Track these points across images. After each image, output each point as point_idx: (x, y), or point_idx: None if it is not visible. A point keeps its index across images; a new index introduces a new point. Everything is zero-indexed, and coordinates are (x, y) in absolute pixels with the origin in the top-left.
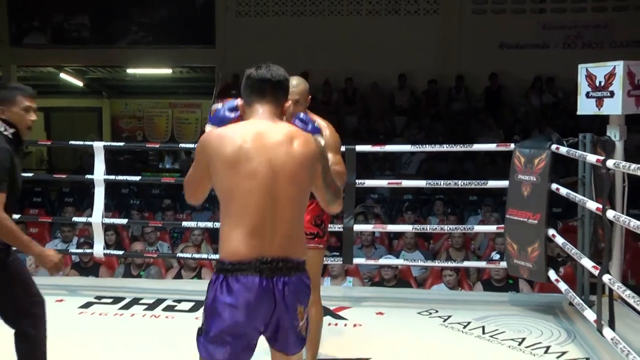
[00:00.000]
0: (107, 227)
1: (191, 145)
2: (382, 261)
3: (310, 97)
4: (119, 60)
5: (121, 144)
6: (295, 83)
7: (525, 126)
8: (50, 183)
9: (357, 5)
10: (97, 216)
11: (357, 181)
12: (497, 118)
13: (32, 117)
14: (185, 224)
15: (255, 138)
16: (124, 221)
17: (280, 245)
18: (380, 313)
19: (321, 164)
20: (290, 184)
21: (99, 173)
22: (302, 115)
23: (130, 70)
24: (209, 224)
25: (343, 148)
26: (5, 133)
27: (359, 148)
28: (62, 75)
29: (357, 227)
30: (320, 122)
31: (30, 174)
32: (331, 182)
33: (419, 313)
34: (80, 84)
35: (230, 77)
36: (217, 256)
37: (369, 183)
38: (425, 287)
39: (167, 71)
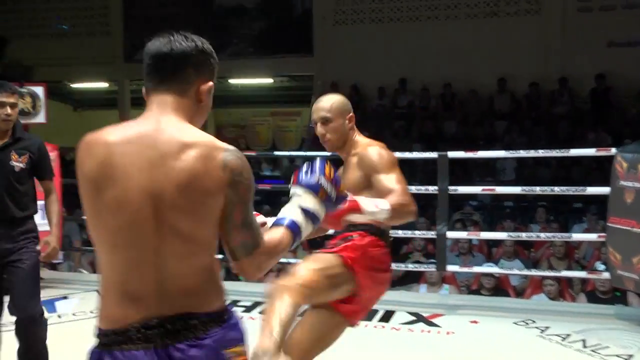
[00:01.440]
0: None
1: (290, 153)
2: (477, 269)
3: (352, 115)
4: (221, 71)
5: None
6: (325, 99)
7: (636, 129)
8: None
9: (454, 9)
10: None
11: (449, 187)
12: (604, 121)
13: (6, 111)
14: None
15: (127, 149)
16: None
17: (177, 301)
18: (475, 322)
19: (228, 195)
20: (179, 217)
21: None
22: (316, 162)
23: (232, 81)
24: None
25: (435, 154)
26: None
27: (452, 154)
28: None
29: (451, 234)
30: (365, 142)
31: None
32: (248, 231)
33: (515, 323)
34: None
35: (328, 85)
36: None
37: (462, 190)
38: (525, 297)
39: (269, 80)
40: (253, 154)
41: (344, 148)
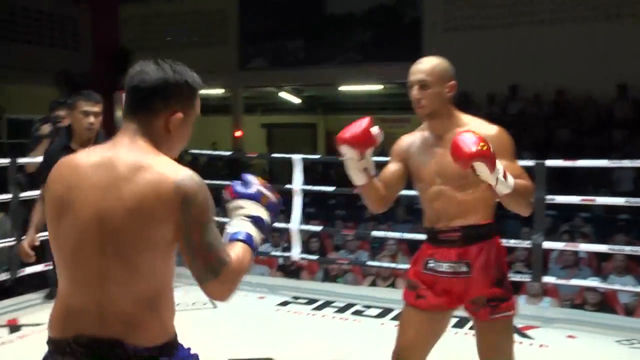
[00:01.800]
0: (312, 235)
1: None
2: (576, 281)
3: (453, 83)
4: (331, 79)
5: (317, 156)
6: (426, 61)
7: None
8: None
9: (569, 12)
10: (295, 223)
11: (546, 197)
12: None
13: (90, 120)
14: (375, 233)
15: (89, 172)
16: (319, 228)
17: (111, 325)
18: (572, 336)
19: (180, 219)
20: (115, 241)
21: (297, 183)
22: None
23: (342, 88)
24: (407, 235)
25: (532, 162)
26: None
27: (549, 163)
28: (281, 94)
29: (547, 245)
30: (474, 120)
31: None
32: (210, 251)
33: (617, 341)
34: (297, 101)
35: None
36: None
37: (560, 199)
38: (635, 316)
39: (378, 87)
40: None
41: (438, 119)
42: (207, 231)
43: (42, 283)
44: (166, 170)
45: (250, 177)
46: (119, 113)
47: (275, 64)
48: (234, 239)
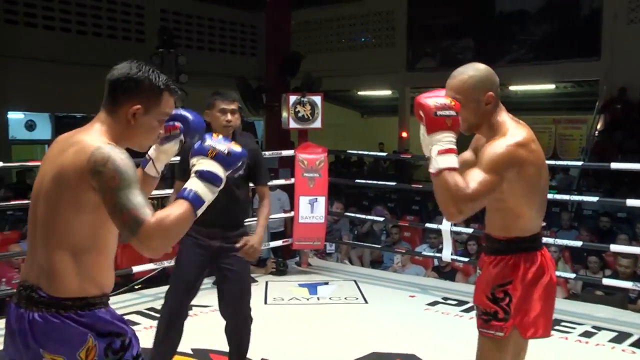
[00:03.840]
0: (469, 237)
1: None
2: None
3: (490, 94)
4: (501, 79)
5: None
6: (458, 74)
7: None
8: (428, 194)
9: None
10: (447, 224)
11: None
12: None
13: (227, 118)
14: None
15: (50, 149)
16: (470, 230)
17: (35, 273)
18: None
19: (94, 186)
20: (42, 203)
21: None
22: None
23: (512, 88)
24: (571, 243)
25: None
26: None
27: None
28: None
29: None
30: (506, 129)
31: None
32: (123, 213)
33: None
34: None
35: (616, 90)
36: (570, 275)
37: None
38: None
39: (550, 86)
40: None
41: (481, 130)
42: (118, 195)
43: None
44: (87, 144)
45: (207, 135)
46: (284, 113)
47: (444, 64)
48: (178, 197)
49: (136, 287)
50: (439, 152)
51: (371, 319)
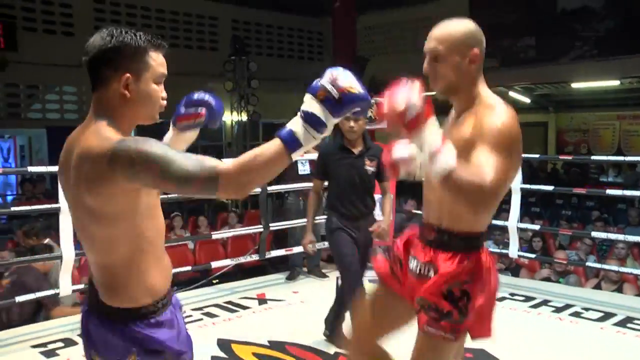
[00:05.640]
0: (534, 234)
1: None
2: None
3: (476, 51)
4: (563, 76)
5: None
6: (442, 25)
7: None
8: None
9: None
10: (513, 221)
11: None
12: None
13: (350, 124)
14: (595, 234)
15: (62, 154)
16: (536, 227)
17: (94, 276)
18: None
19: (124, 176)
20: (78, 212)
21: (516, 182)
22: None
23: (575, 85)
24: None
25: None
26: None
27: None
28: (511, 94)
29: None
30: (491, 100)
31: None
32: (194, 180)
33: None
34: (527, 100)
35: None
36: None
37: None
38: None
39: (614, 83)
40: (568, 157)
41: (457, 96)
42: (169, 175)
43: (285, 265)
44: (90, 143)
45: (330, 70)
46: None
47: (505, 63)
48: (276, 136)
49: (214, 281)
50: (431, 153)
51: None
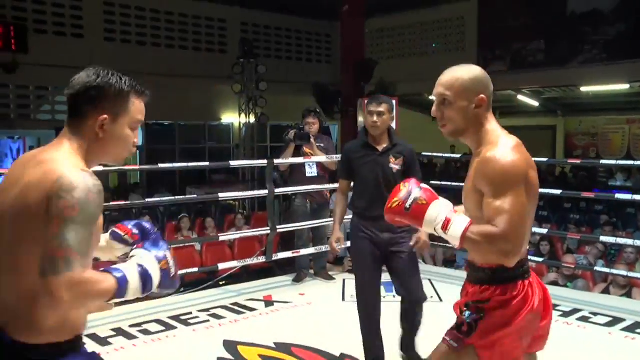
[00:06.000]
0: (542, 238)
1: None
2: None
3: (482, 97)
4: (572, 80)
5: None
6: (450, 72)
7: None
8: None
9: None
10: None
11: None
12: None
13: (373, 119)
14: (603, 238)
15: (13, 168)
16: (544, 231)
17: (1, 313)
18: None
19: (53, 208)
20: (9, 233)
21: None
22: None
23: (584, 89)
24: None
25: None
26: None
27: None
28: (519, 97)
29: None
30: (494, 138)
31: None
32: (62, 249)
33: None
34: (535, 104)
35: None
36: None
37: None
38: None
39: (624, 86)
40: (577, 161)
41: (466, 137)
42: (69, 227)
43: (292, 268)
44: (56, 165)
45: (161, 241)
46: (360, 118)
47: (514, 67)
48: (109, 270)
49: (220, 283)
50: (443, 227)
51: (446, 316)
